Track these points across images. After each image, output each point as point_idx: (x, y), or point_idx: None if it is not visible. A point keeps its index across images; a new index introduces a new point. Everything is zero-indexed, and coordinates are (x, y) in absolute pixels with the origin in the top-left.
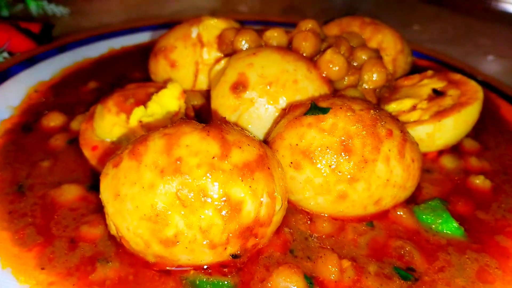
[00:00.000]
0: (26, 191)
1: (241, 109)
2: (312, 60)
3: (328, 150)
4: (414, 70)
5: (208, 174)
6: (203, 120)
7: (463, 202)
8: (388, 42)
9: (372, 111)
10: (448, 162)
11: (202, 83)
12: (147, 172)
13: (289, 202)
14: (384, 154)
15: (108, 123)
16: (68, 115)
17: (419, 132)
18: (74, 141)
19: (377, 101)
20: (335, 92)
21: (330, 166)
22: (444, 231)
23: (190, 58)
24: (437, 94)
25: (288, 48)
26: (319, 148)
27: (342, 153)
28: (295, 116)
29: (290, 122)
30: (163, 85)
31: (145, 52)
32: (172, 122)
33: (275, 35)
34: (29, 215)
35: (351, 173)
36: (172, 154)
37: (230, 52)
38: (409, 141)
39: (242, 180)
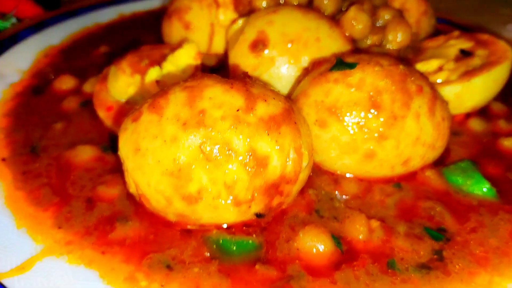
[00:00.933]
0: (40, 152)
1: (261, 69)
2: (334, 19)
3: (355, 106)
4: (438, 34)
5: (232, 127)
6: None
7: (494, 163)
8: (411, 2)
9: (401, 66)
10: (476, 124)
11: (218, 46)
12: (169, 125)
13: (313, 163)
14: (414, 110)
15: (123, 84)
16: (80, 78)
17: (446, 92)
18: (87, 103)
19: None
20: (359, 52)
21: (358, 123)
22: (475, 192)
23: (205, 20)
24: (465, 54)
25: (309, 7)
26: (346, 104)
27: (371, 109)
28: (320, 72)
29: (315, 78)
30: (178, 46)
31: (157, 17)
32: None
33: None
34: (44, 175)
35: (379, 131)
36: (195, 107)
37: (247, 13)
38: (440, 99)
39: (268, 134)
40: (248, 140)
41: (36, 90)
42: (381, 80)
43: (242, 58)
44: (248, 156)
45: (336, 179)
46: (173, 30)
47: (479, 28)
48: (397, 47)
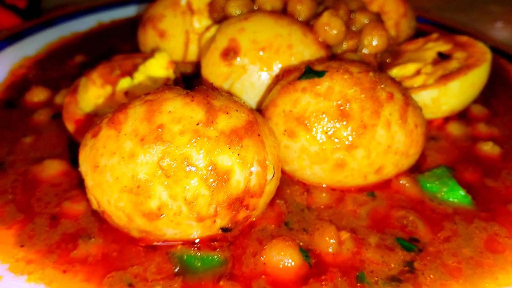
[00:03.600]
0: (7, 168)
1: (233, 77)
2: (308, 25)
3: (324, 115)
4: (419, 35)
5: (192, 141)
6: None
7: (471, 169)
8: (390, 5)
9: (371, 73)
10: (455, 129)
11: (194, 54)
12: (126, 141)
13: (283, 172)
14: (384, 118)
15: (92, 95)
16: (52, 89)
17: (423, 97)
18: (58, 116)
19: (378, 67)
20: (333, 57)
21: (326, 132)
22: (450, 199)
23: (180, 27)
24: (443, 57)
25: (283, 13)
26: (314, 114)
27: (339, 118)
28: (288, 81)
29: (283, 87)
30: (150, 55)
31: (136, 25)
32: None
33: None
34: (9, 192)
35: (349, 140)
36: (153, 121)
37: (221, 20)
38: (412, 105)
39: (229, 148)
40: (208, 154)
41: (8, 104)
42: (350, 89)
43: (214, 67)
44: (208, 171)
45: (307, 189)
46: (147, 38)
47: (465, 27)
48: (373, 52)
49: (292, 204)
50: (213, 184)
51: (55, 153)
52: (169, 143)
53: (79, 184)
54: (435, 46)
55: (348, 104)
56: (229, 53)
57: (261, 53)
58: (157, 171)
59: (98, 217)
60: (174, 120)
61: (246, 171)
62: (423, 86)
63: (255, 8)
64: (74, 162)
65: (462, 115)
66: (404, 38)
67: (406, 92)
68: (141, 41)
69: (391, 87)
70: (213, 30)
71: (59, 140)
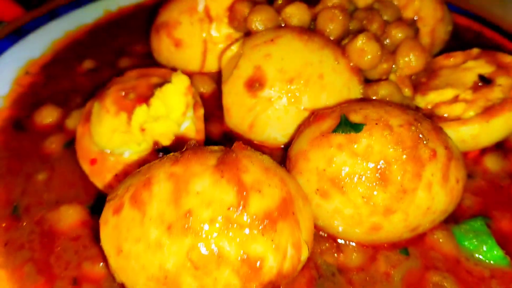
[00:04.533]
0: (22, 214)
1: (258, 109)
2: (340, 45)
3: (361, 179)
4: (454, 33)
5: (223, 231)
6: (214, 113)
7: (509, 217)
8: (426, 9)
9: (413, 127)
10: (492, 163)
11: (212, 64)
12: (152, 228)
13: (315, 226)
14: (426, 180)
15: (107, 128)
16: (62, 107)
17: (462, 133)
18: (71, 143)
19: (413, 88)
20: (366, 81)
21: (363, 197)
22: (487, 260)
23: (197, 36)
24: (484, 81)
25: (311, 29)
26: (351, 176)
27: (378, 183)
28: (321, 131)
29: (316, 139)
30: (167, 73)
31: (145, 14)
32: (178, 143)
33: (296, 12)
34: (27, 247)
35: (386, 205)
36: (180, 205)
37: (243, 29)
38: (455, 158)
39: (263, 235)
40: (240, 244)
41: (17, 125)
42: (390, 148)
43: (237, 97)
44: (240, 262)
45: (338, 246)
46: (162, 46)
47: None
48: (409, 73)
49: (322, 266)
50: (244, 274)
51: (71, 195)
52: (199, 233)
53: (98, 237)
54: (475, 67)
55: (387, 167)
56: (254, 83)
57: (289, 85)
58: (186, 263)
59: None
60: (203, 203)
61: (279, 256)
62: (463, 121)
63: (281, 22)
64: (91, 209)
65: (500, 145)
66: (440, 45)
67: (448, 143)
68: (154, 48)
69: (434, 141)
70: (235, 48)
71: (74, 177)
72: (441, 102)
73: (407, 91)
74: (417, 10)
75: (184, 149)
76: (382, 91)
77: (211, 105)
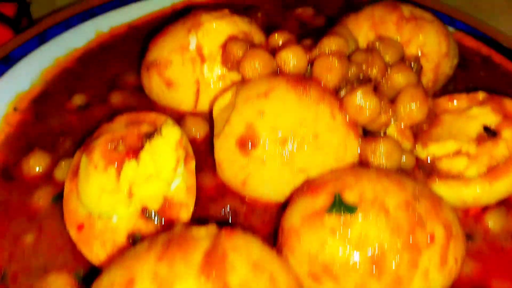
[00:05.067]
0: (10, 284)
1: (251, 169)
2: (337, 95)
3: (355, 267)
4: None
5: None
6: (207, 161)
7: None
8: (431, 45)
9: (410, 208)
10: (494, 222)
11: (205, 104)
12: None
13: None
14: (423, 267)
15: (95, 187)
16: (51, 152)
17: (463, 194)
18: (60, 197)
19: (414, 136)
20: (364, 132)
21: (355, 286)
22: None
23: (189, 76)
24: (489, 133)
25: (307, 76)
26: (344, 266)
27: (372, 273)
28: (315, 209)
29: (309, 217)
30: (157, 119)
31: (138, 38)
32: (167, 206)
33: (291, 58)
34: None
35: None
36: None
37: (237, 70)
38: (454, 236)
39: None
40: None
41: (5, 175)
42: (386, 234)
43: (228, 153)
44: None
45: None
46: (153, 85)
47: None
48: (409, 124)
49: None
50: None
51: (60, 261)
52: None
53: None
54: (480, 115)
55: (382, 255)
56: (246, 143)
57: (282, 146)
58: None
59: None
60: None
61: None
62: (465, 182)
63: (276, 68)
64: (81, 279)
65: (502, 201)
66: (443, 80)
67: (448, 221)
68: (145, 85)
69: (433, 221)
70: (227, 96)
71: (62, 239)
72: (442, 155)
73: (407, 144)
74: (421, 46)
75: (171, 234)
76: (381, 150)
77: (204, 151)
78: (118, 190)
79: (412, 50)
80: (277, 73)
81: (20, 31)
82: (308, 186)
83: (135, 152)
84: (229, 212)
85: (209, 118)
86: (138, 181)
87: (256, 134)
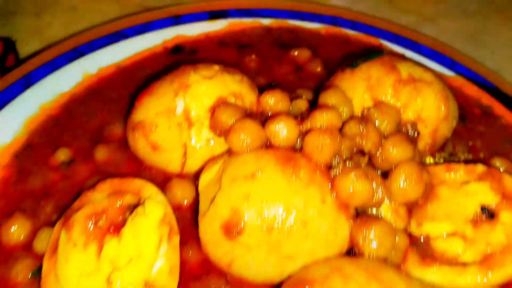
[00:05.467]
0: None
1: (236, 254)
2: (328, 173)
3: None
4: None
5: None
6: (192, 233)
7: None
8: (429, 109)
9: None
10: None
11: (193, 166)
12: None
13: None
14: None
15: (74, 270)
16: (32, 217)
17: (457, 282)
18: (39, 271)
19: (408, 212)
20: (355, 213)
21: None
22: None
23: (175, 140)
24: (487, 215)
25: (296, 151)
26: None
27: None
28: None
29: None
30: (141, 187)
31: (128, 79)
32: None
33: (281, 131)
34: None
35: None
36: None
37: (224, 139)
38: None
39: None
40: None
41: None
42: None
43: (213, 236)
44: None
45: None
46: (138, 146)
47: None
48: (403, 202)
49: None
50: None
51: None
52: None
53: None
54: (478, 192)
55: None
56: (232, 228)
57: (269, 235)
58: None
59: None
60: None
61: None
62: (459, 272)
63: (264, 139)
64: None
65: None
66: (441, 143)
67: None
68: (131, 144)
69: None
70: (213, 170)
71: None
72: (437, 236)
73: (400, 223)
74: (418, 111)
75: None
76: (372, 236)
77: (189, 220)
78: (98, 272)
79: (409, 115)
80: (267, 145)
81: (6, 71)
82: (297, 284)
83: (116, 228)
84: None
85: (195, 184)
86: (118, 266)
87: (242, 221)
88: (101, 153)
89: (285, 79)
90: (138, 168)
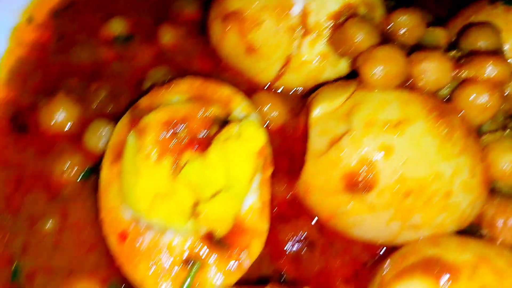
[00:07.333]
0: (24, 283)
1: (350, 210)
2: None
3: None
4: None
5: None
6: (281, 164)
7: None
8: None
9: None
10: None
11: (289, 82)
12: None
13: None
14: None
15: (145, 188)
16: (80, 102)
17: None
18: (91, 173)
19: None
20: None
21: None
22: None
23: (281, 48)
24: None
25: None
26: None
27: None
28: None
29: None
30: (232, 97)
31: None
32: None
33: (433, 72)
34: None
35: None
36: None
37: (349, 57)
38: None
39: None
40: None
41: (16, 123)
42: None
43: (326, 185)
44: None
45: None
46: (227, 42)
47: None
48: None
49: None
50: None
51: (89, 265)
52: None
53: None
54: None
55: None
56: (358, 183)
57: (403, 199)
58: None
59: None
60: None
61: None
62: None
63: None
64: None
65: None
66: None
67: None
68: (215, 38)
69: None
70: (336, 101)
71: (94, 234)
72: None
73: None
74: None
75: None
76: None
77: (278, 150)
78: (174, 195)
79: None
80: (407, 84)
81: None
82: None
83: (200, 144)
84: (302, 241)
85: (291, 100)
86: (202, 195)
87: (375, 177)
88: (167, 36)
89: None
90: (214, 66)
